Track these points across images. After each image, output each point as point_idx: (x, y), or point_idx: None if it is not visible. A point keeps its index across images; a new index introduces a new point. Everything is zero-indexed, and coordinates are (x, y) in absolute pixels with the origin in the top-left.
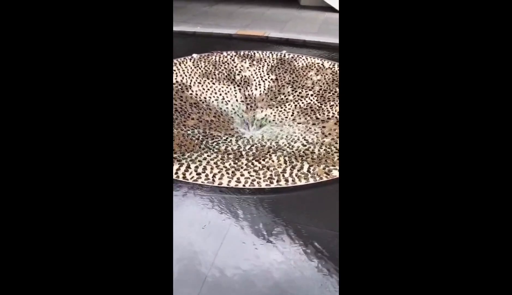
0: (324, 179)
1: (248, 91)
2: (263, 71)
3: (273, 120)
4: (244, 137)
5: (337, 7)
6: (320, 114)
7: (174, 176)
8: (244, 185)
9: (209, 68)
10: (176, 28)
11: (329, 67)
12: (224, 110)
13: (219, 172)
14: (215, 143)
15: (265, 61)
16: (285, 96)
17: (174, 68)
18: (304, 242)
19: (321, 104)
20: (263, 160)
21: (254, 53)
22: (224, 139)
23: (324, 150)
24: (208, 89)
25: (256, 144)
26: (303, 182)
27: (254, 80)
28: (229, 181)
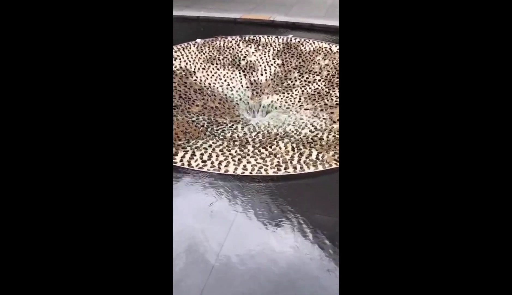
0: (334, 166)
1: (253, 77)
2: (269, 56)
3: (280, 106)
4: (250, 124)
5: None
6: (328, 100)
7: (179, 163)
8: (251, 172)
9: (213, 54)
10: (179, 13)
11: (337, 52)
12: (229, 96)
13: (225, 159)
14: (221, 130)
15: (271, 46)
16: (291, 81)
17: (178, 53)
18: (312, 230)
19: (329, 89)
20: (270, 147)
21: (260, 38)
22: (229, 126)
23: (333, 136)
24: (213, 75)
25: (262, 131)
26: (312, 169)
27: (260, 65)
28: (236, 168)
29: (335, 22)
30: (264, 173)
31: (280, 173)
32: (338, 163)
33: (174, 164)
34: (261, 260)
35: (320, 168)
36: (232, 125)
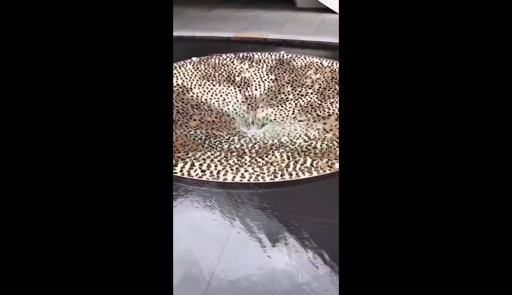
0: (327, 171)
1: (248, 91)
2: (262, 72)
3: (274, 119)
4: (246, 136)
5: (333, 8)
6: (320, 112)
7: (179, 174)
8: (248, 180)
9: (209, 71)
10: (174, 33)
11: (328, 66)
12: (226, 111)
13: (223, 169)
14: (218, 142)
15: (264, 62)
16: (285, 95)
17: (175, 71)
18: (310, 234)
19: (321, 101)
20: (266, 157)
21: (253, 55)
22: (226, 139)
23: (326, 145)
24: (209, 91)
25: (258, 142)
26: (307, 175)
27: (254, 81)
28: (234, 177)
29: (325, 38)
30: (261, 180)
31: (276, 180)
32: (331, 169)
33: (173, 174)
34: (260, 271)
35: (315, 174)
36: (229, 137)
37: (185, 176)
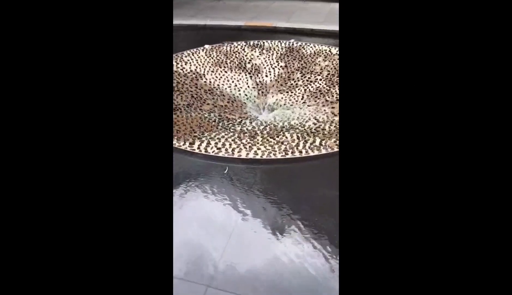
0: (335, 149)
1: (259, 78)
2: (272, 59)
3: (284, 104)
4: (258, 119)
5: None
6: (329, 97)
7: (197, 151)
8: (261, 157)
9: (221, 58)
10: (186, 22)
11: (336, 53)
12: (237, 96)
13: (237, 147)
14: (231, 124)
15: (274, 50)
16: (294, 81)
17: (188, 58)
18: (316, 205)
19: (330, 87)
20: (277, 137)
21: (264, 43)
22: (239, 122)
23: (335, 126)
24: (221, 77)
25: (269, 125)
26: (316, 153)
27: (264, 67)
28: (247, 154)
29: (334, 27)
30: (273, 157)
31: (287, 157)
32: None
33: (192, 151)
34: (269, 252)
35: (323, 151)
36: (241, 121)
37: (202, 152)
